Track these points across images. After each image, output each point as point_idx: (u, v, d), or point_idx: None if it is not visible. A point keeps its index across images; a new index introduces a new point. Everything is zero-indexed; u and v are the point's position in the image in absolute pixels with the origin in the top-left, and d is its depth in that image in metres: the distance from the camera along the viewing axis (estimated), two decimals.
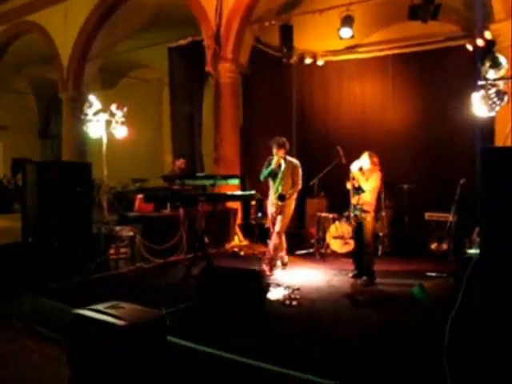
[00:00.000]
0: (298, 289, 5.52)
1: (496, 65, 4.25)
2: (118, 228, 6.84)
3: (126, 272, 6.58)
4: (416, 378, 3.29)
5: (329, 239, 7.92)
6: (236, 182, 6.19)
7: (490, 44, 8.18)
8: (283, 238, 6.72)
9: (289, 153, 6.75)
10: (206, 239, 7.94)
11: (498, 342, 3.14)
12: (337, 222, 7.91)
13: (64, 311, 4.79)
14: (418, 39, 9.59)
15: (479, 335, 3.27)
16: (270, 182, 6.61)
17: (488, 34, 8.21)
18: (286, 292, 5.35)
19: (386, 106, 10.12)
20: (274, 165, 6.43)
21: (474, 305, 3.35)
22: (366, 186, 6.06)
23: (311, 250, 8.09)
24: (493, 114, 4.58)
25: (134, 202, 7.86)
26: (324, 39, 10.10)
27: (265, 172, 6.55)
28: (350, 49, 10.57)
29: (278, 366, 3.37)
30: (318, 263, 7.44)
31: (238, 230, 8.91)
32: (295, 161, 6.64)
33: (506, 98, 4.30)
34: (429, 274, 6.35)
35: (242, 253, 8.12)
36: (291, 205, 6.58)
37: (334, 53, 10.65)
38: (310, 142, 10.75)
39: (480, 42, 8.45)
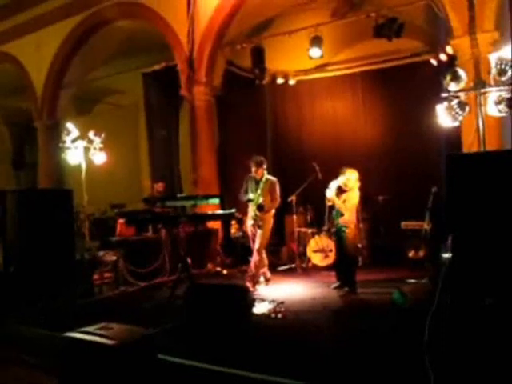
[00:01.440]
0: (282, 302, 5.64)
1: (456, 78, 4.53)
2: (100, 253, 6.88)
3: (111, 296, 6.60)
4: (399, 375, 3.42)
5: (309, 253, 8.09)
6: (216, 201, 6.33)
7: (453, 58, 8.61)
8: (264, 254, 6.84)
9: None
10: (189, 260, 8.06)
11: (472, 336, 3.32)
12: (316, 237, 8.10)
13: (49, 338, 4.82)
14: (384, 56, 9.96)
15: (454, 330, 3.44)
16: (249, 202, 6.75)
17: (449, 49, 8.63)
18: (271, 306, 5.47)
19: (358, 121, 10.42)
20: (253, 182, 6.65)
21: (447, 303, 3.52)
22: (343, 209, 6.25)
23: (293, 265, 8.23)
24: (456, 123, 4.85)
25: (113, 227, 7.90)
26: (294, 59, 10.42)
27: (245, 196, 6.72)
28: (320, 68, 10.89)
29: (267, 375, 3.47)
30: (300, 277, 7.58)
31: (219, 249, 8.99)
32: (273, 178, 6.82)
33: (467, 109, 4.58)
34: (408, 280, 6.55)
35: (225, 272, 8.21)
36: (270, 221, 6.73)
37: (305, 72, 10.97)
38: (286, 159, 10.94)
39: (443, 57, 8.87)
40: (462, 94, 4.56)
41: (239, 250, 8.75)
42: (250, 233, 6.81)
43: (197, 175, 9.14)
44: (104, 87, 12.58)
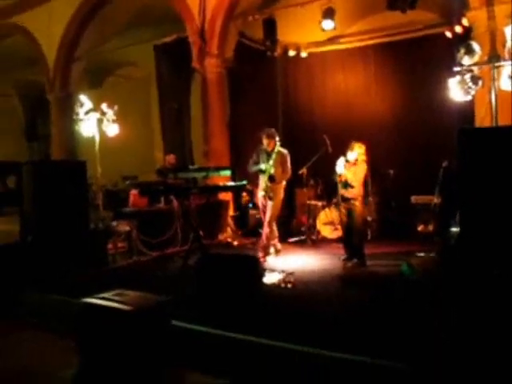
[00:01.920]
0: (291, 273, 5.74)
1: (470, 52, 4.50)
2: (114, 223, 7.02)
3: (125, 265, 6.77)
4: (405, 344, 3.53)
5: (319, 226, 8.18)
6: (228, 173, 6.42)
7: (468, 30, 8.47)
8: (274, 226, 6.95)
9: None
10: (200, 231, 8.20)
11: (480, 305, 3.41)
12: (326, 209, 8.17)
13: (66, 304, 4.99)
14: (397, 28, 9.79)
15: (463, 299, 3.53)
16: (260, 174, 6.81)
17: (465, 21, 8.48)
18: (281, 276, 5.58)
19: (369, 94, 10.34)
20: (265, 154, 6.67)
21: (455, 274, 3.60)
22: (354, 181, 6.29)
23: (303, 237, 8.33)
24: (469, 97, 4.84)
25: (125, 198, 8.03)
26: (306, 31, 10.29)
27: (254, 167, 6.77)
28: (332, 40, 10.77)
29: (276, 341, 3.60)
30: (309, 249, 7.69)
31: (230, 221, 9.12)
32: (284, 150, 6.86)
33: (480, 83, 4.56)
34: (417, 254, 6.63)
35: (236, 243, 8.34)
36: (280, 193, 6.80)
37: (317, 44, 10.85)
38: (297, 132, 10.92)
39: (458, 29, 8.72)
40: (475, 68, 4.53)
41: (250, 221, 8.88)
42: (260, 204, 6.90)
43: (208, 147, 9.21)
44: (115, 59, 12.59)
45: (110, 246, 6.97)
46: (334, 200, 8.11)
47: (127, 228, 7.03)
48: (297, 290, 5.17)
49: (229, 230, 8.80)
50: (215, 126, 9.22)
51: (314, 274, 5.93)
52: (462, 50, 4.54)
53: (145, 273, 6.42)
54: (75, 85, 12.17)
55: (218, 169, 6.39)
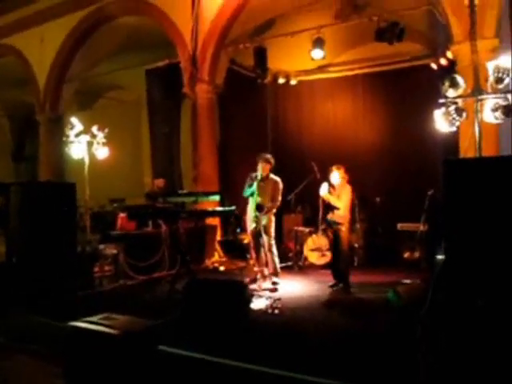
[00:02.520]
0: (279, 299, 5.75)
1: (454, 84, 4.65)
2: (101, 246, 6.98)
3: (111, 289, 6.71)
4: (391, 371, 3.55)
5: (306, 252, 8.21)
6: (217, 198, 6.46)
7: (453, 63, 8.73)
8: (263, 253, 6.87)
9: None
10: (188, 255, 8.18)
11: (463, 335, 3.45)
12: (314, 235, 8.21)
13: (52, 327, 4.93)
14: (385, 59, 10.08)
15: (447, 329, 3.57)
16: (250, 198, 6.83)
17: (450, 54, 8.76)
18: (268, 302, 5.59)
19: (357, 122, 10.56)
20: (259, 178, 6.60)
21: (440, 302, 3.65)
22: (338, 203, 6.36)
23: (290, 263, 8.34)
24: (453, 129, 4.98)
25: (112, 221, 8.01)
26: (296, 60, 10.54)
27: (248, 190, 6.71)
28: (322, 68, 11.02)
29: (264, 367, 3.59)
30: (296, 275, 7.70)
31: (217, 246, 9.11)
32: (277, 178, 6.85)
33: (464, 115, 4.71)
34: (403, 281, 6.68)
35: (223, 268, 8.32)
36: (271, 220, 6.77)
37: (307, 72, 11.10)
38: (286, 159, 10.94)
39: (443, 61, 9.00)
40: (459, 100, 4.68)
41: (237, 247, 8.87)
42: (249, 231, 6.85)
43: (197, 172, 9.26)
44: (106, 82, 12.69)
45: (96, 269, 6.91)
46: (322, 226, 8.18)
47: (114, 251, 7.00)
48: (284, 316, 5.17)
49: (216, 254, 8.79)
50: (205, 151, 9.30)
51: (302, 300, 5.94)
52: (447, 83, 4.69)
53: (132, 296, 6.38)
54: (65, 106, 12.22)
55: (207, 193, 6.43)
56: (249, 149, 10.30)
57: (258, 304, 5.51)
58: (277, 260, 6.80)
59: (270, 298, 5.76)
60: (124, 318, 4.02)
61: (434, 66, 9.35)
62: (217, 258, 8.76)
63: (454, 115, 4.63)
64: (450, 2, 7.29)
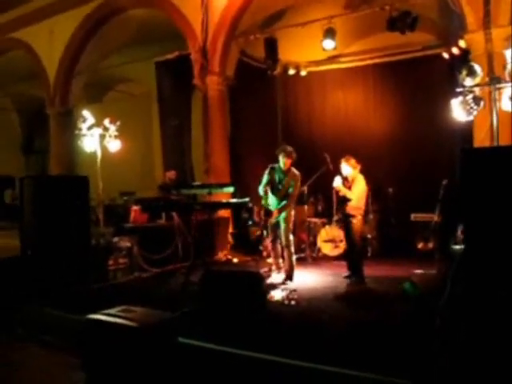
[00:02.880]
0: (294, 290, 5.76)
1: (472, 73, 4.60)
2: (115, 239, 7.01)
3: (126, 281, 6.75)
4: (408, 361, 3.54)
5: (320, 243, 8.20)
6: (231, 189, 6.43)
7: (465, 52, 8.63)
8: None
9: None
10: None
11: (484, 326, 3.43)
12: (327, 227, 8.20)
13: (68, 320, 4.97)
14: (396, 49, 9.98)
15: (467, 320, 3.55)
16: (268, 190, 6.56)
17: (462, 43, 8.66)
18: (284, 293, 5.60)
19: (369, 113, 10.49)
20: (279, 172, 6.43)
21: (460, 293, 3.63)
22: (352, 195, 6.32)
23: (303, 255, 8.33)
24: (470, 118, 4.93)
25: (125, 214, 8.03)
26: (306, 50, 10.47)
27: (263, 185, 6.50)
28: (332, 59, 10.93)
29: (282, 357, 3.61)
30: (310, 266, 7.69)
31: (230, 238, 9.12)
32: (297, 172, 6.60)
33: (481, 104, 4.65)
34: (417, 271, 6.69)
35: (236, 260, 8.33)
36: (291, 215, 6.56)
37: (317, 63, 11.01)
38: (296, 150, 10.76)
39: (455, 51, 8.90)
40: (476, 89, 4.63)
41: (249, 239, 8.87)
42: (268, 224, 6.61)
43: (209, 164, 9.25)
44: (116, 75, 12.69)
45: (111, 261, 6.94)
46: (335, 217, 8.16)
47: (128, 244, 7.02)
48: (300, 307, 5.17)
49: (228, 246, 8.80)
50: (216, 143, 9.29)
51: (317, 291, 5.93)
52: (464, 72, 4.64)
53: (147, 289, 6.39)
54: (75, 99, 12.24)
55: (221, 185, 6.42)
56: (259, 141, 10.30)
57: (274, 295, 5.52)
58: (294, 261, 6.52)
59: (286, 289, 5.77)
60: (142, 310, 4.04)
61: (445, 55, 9.25)
62: (229, 250, 8.76)
63: (472, 104, 4.58)
64: None
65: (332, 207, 8.25)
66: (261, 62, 10.47)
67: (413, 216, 8.19)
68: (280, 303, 5.29)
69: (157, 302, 5.46)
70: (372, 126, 10.34)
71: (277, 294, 5.54)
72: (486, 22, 6.79)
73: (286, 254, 6.52)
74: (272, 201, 6.51)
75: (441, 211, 7.44)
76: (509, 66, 4.46)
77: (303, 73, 10.98)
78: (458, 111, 4.87)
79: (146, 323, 3.72)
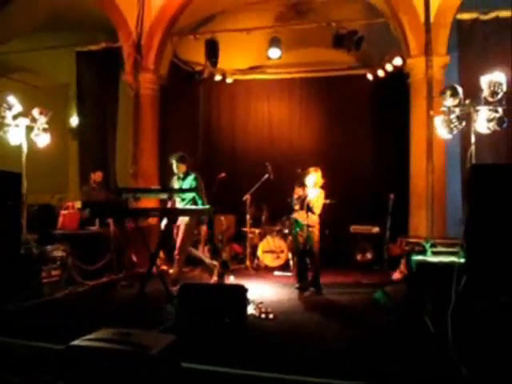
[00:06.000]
0: (261, 303, 5.50)
1: (455, 94, 4.86)
2: (49, 248, 6.08)
3: (62, 297, 5.88)
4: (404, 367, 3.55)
5: (260, 254, 8.03)
6: (192, 195, 6.01)
7: (390, 75, 9.22)
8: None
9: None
10: (134, 258, 7.56)
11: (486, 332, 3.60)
12: (268, 237, 8.06)
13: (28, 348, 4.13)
14: (323, 65, 10.31)
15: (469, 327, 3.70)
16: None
17: (389, 67, 9.24)
18: (255, 306, 5.32)
19: (294, 125, 10.66)
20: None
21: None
22: (316, 208, 6.31)
23: (243, 266, 8.12)
24: (450, 136, 5.21)
25: (51, 219, 7.11)
26: (233, 58, 10.31)
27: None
28: (257, 68, 10.94)
29: (269, 373, 3.43)
30: (255, 278, 7.44)
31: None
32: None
33: (464, 123, 4.94)
34: (363, 282, 6.90)
35: (171, 271, 7.77)
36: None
37: (243, 72, 10.92)
38: (216, 156, 10.72)
39: (381, 73, 9.46)
40: (457, 109, 4.91)
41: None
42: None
43: (137, 167, 8.58)
44: (16, 63, 11.21)
45: (44, 273, 5.99)
46: (277, 228, 8.09)
47: (62, 254, 6.16)
48: (279, 322, 4.94)
49: (161, 255, 8.19)
50: (146, 146, 8.69)
51: (283, 304, 5.74)
52: (449, 92, 4.89)
53: (96, 305, 5.59)
54: None
55: (183, 190, 5.95)
56: (182, 145, 9.82)
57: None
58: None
59: (253, 301, 5.49)
60: (137, 332, 3.46)
61: (370, 76, 9.79)
62: (162, 260, 8.15)
63: (456, 123, 4.83)
64: (407, 19, 7.65)
65: (276, 217, 8.17)
66: (189, 65, 10.14)
67: (352, 228, 8.42)
68: (256, 317, 5.01)
69: (122, 319, 4.79)
70: (295, 140, 10.51)
71: (249, 308, 5.23)
72: (428, 50, 7.28)
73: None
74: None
75: (383, 224, 7.76)
76: (485, 92, 4.80)
77: (229, 80, 10.80)
78: (441, 129, 5.11)
79: (153, 348, 3.19)
